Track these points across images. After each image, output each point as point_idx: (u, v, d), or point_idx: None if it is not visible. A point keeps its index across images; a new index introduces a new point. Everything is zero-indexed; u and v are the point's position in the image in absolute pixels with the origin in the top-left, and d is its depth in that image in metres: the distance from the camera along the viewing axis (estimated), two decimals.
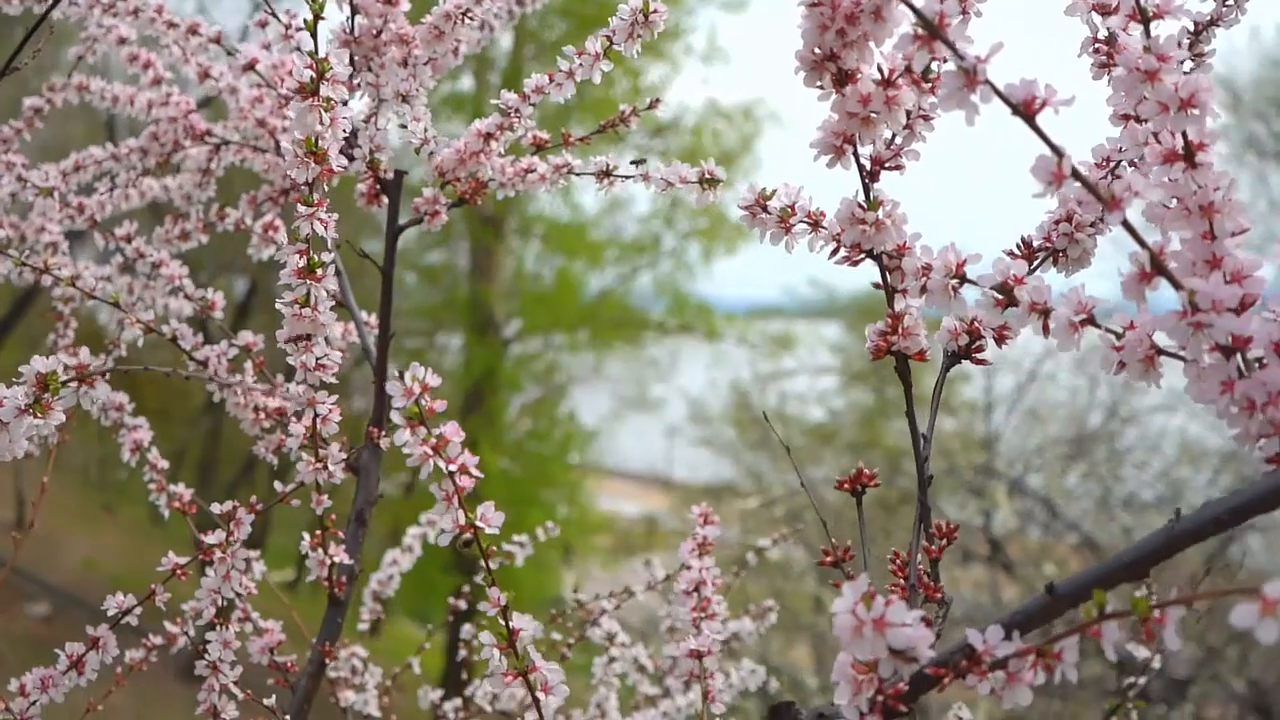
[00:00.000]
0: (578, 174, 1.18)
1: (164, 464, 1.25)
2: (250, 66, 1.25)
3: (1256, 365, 0.64)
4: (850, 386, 9.77)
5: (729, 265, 10.51)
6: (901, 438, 8.28)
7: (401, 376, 0.76)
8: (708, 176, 1.08)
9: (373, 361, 1.26)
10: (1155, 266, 0.62)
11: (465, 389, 10.22)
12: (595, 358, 11.01)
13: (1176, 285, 0.62)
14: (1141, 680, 1.25)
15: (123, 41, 1.35)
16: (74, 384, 0.83)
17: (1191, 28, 0.88)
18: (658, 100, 1.21)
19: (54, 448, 1.40)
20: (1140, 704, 1.21)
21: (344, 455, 1.09)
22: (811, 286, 10.05)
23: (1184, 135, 0.65)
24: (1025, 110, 0.61)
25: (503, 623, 0.80)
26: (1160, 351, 0.66)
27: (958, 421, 8.21)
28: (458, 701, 1.62)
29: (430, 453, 0.76)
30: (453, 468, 0.76)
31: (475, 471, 0.77)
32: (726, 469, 9.98)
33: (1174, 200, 0.67)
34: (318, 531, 1.14)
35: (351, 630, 1.81)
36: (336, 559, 1.15)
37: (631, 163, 1.15)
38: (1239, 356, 0.63)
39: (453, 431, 0.77)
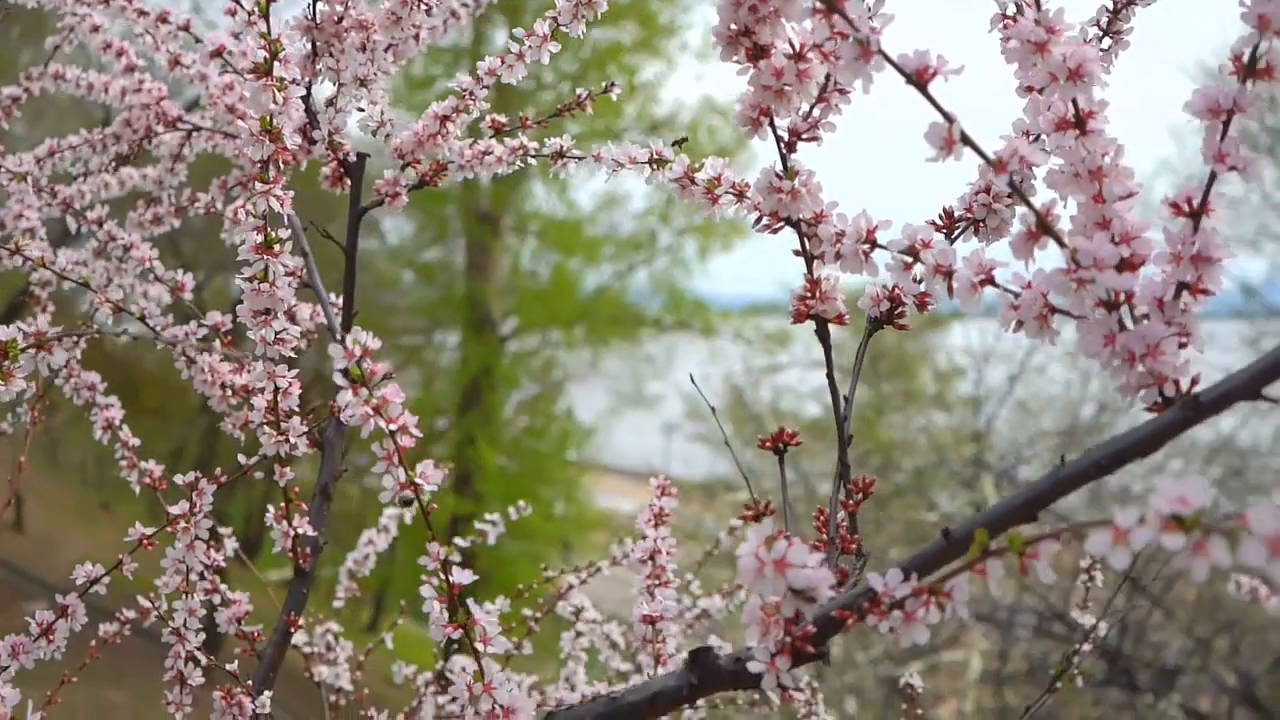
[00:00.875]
0: (534, 156, 1.22)
1: (135, 441, 1.29)
2: (218, 53, 1.29)
3: (1144, 321, 0.67)
4: (846, 382, 9.78)
5: (725, 262, 10.57)
6: (896, 431, 8.32)
7: (343, 341, 0.80)
8: (656, 157, 1.11)
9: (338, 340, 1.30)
10: (1041, 227, 0.65)
11: (462, 386, 10.27)
12: (592, 354, 11.05)
13: (1062, 244, 0.65)
14: (1086, 647, 1.28)
15: (96, 29, 1.39)
16: (32, 350, 0.86)
17: (1111, 6, 0.91)
18: (613, 84, 1.25)
19: (30, 429, 1.44)
20: (1086, 670, 1.24)
21: (305, 429, 1.13)
22: None
23: (1074, 103, 0.68)
24: (918, 79, 0.64)
25: (443, 576, 0.83)
26: (1054, 310, 0.69)
27: (950, 417, 8.24)
28: (429, 675, 1.66)
29: (371, 413, 0.79)
30: (393, 427, 0.79)
31: (415, 431, 0.80)
32: (723, 465, 10.01)
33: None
34: (282, 504, 1.17)
35: (333, 613, 1.85)
36: (300, 530, 1.18)
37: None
38: (1123, 311, 0.66)
39: (393, 393, 0.80)
